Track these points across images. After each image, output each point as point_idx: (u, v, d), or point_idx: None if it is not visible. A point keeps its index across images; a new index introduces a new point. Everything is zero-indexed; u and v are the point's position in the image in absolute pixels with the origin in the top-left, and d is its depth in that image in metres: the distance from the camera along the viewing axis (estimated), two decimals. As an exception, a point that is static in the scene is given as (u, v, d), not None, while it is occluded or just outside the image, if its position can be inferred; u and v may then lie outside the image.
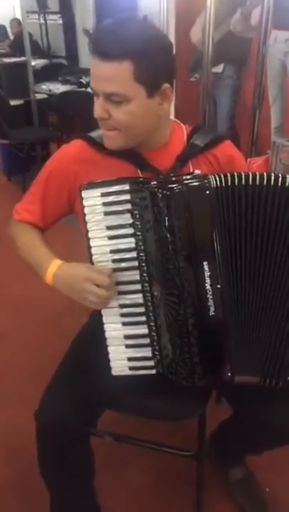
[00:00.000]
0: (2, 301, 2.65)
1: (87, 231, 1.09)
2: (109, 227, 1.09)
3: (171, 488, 1.61)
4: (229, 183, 1.03)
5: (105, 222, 1.09)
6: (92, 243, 1.10)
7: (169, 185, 1.03)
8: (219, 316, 1.06)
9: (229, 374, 1.10)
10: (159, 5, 2.78)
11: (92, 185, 1.08)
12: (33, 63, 4.76)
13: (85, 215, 1.09)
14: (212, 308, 1.05)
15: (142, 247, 1.08)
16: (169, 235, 1.03)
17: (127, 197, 1.07)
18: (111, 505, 1.50)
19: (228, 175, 1.03)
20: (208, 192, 1.02)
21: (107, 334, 1.14)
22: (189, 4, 3.39)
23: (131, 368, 1.14)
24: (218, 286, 1.04)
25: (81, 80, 5.13)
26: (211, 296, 1.05)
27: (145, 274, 1.09)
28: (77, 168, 1.21)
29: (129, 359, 1.14)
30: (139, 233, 1.07)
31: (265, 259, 1.05)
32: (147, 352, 1.13)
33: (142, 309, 1.11)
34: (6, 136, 4.22)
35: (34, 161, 4.39)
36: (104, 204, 1.08)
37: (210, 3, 2.55)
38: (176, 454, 1.49)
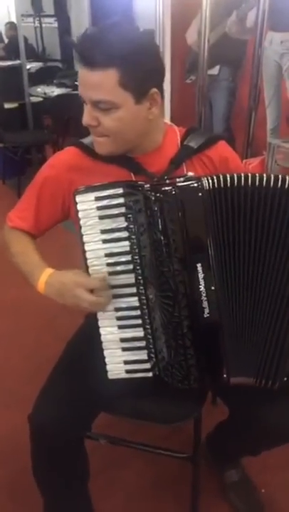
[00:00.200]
0: (-3, 304, 2.65)
1: (82, 235, 1.09)
2: (103, 231, 1.09)
3: (166, 490, 1.61)
4: (222, 185, 1.03)
5: (100, 226, 1.09)
6: (86, 247, 1.10)
7: (162, 188, 1.03)
8: (214, 317, 1.06)
9: (224, 375, 1.10)
10: (155, 7, 2.79)
11: (85, 190, 1.08)
12: (28, 66, 4.76)
13: (79, 219, 1.09)
14: (206, 310, 1.06)
15: (137, 250, 1.08)
16: (162, 238, 1.04)
17: (121, 200, 1.07)
18: (106, 508, 1.50)
19: (221, 176, 1.04)
20: (201, 194, 1.03)
21: (102, 338, 1.14)
22: (185, 6, 3.39)
23: (127, 371, 1.14)
24: (212, 288, 1.05)
25: (76, 83, 5.11)
26: (205, 298, 1.05)
27: (140, 277, 1.09)
28: (71, 175, 1.21)
29: (126, 362, 1.14)
30: (133, 236, 1.07)
31: (258, 260, 1.05)
32: (143, 355, 1.13)
33: (137, 312, 1.12)
34: (0, 139, 4.22)
35: (29, 164, 4.39)
36: (99, 208, 1.08)
37: (205, 6, 2.56)
38: (171, 457, 1.49)
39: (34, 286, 1.15)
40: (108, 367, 1.14)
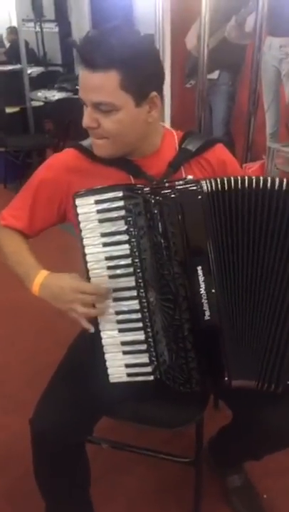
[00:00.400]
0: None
1: (82, 238, 1.09)
2: (103, 234, 1.09)
3: (169, 495, 1.60)
4: (221, 188, 1.03)
5: (100, 230, 1.09)
6: (86, 250, 1.10)
7: (162, 191, 1.03)
8: (214, 320, 1.06)
9: (226, 379, 1.10)
10: (155, 12, 2.80)
11: (85, 193, 1.09)
12: (29, 71, 4.78)
13: (79, 222, 1.09)
14: (207, 313, 1.06)
15: (137, 254, 1.08)
16: (162, 241, 1.04)
17: (121, 204, 1.07)
18: (108, 513, 1.50)
19: (219, 179, 1.04)
20: (200, 197, 1.03)
21: (103, 341, 1.14)
22: (185, 11, 3.41)
23: (129, 375, 1.14)
24: (213, 290, 1.05)
25: (77, 87, 5.13)
26: (205, 301, 1.05)
27: (140, 280, 1.09)
28: (70, 177, 1.21)
29: (127, 366, 1.14)
30: (133, 240, 1.07)
31: (257, 262, 1.05)
32: (144, 358, 1.13)
33: (138, 315, 1.11)
34: (2, 143, 4.24)
35: (30, 168, 4.40)
36: (99, 211, 1.08)
37: (205, 11, 2.57)
38: (174, 461, 1.48)
39: (28, 288, 1.15)
40: (109, 370, 1.14)
